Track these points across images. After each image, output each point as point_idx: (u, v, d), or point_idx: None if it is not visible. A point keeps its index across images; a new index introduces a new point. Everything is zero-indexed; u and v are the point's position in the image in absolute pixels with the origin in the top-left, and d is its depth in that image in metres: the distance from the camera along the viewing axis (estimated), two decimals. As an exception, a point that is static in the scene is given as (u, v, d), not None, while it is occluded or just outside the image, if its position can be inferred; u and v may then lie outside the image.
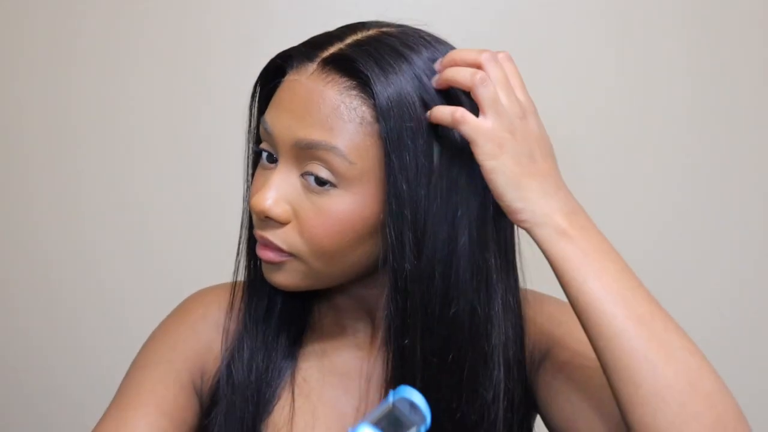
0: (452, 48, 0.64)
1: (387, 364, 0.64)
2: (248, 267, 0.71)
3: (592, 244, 0.58)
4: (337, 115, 0.59)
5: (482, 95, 0.57)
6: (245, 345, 0.71)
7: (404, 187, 0.58)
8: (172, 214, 1.21)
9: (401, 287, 0.61)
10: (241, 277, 0.72)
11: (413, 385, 0.57)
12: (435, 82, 0.60)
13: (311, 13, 1.16)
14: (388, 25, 0.65)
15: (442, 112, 0.58)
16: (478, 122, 0.57)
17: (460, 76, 0.58)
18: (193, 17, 1.16)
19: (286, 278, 0.64)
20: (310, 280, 0.64)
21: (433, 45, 0.63)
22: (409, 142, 0.58)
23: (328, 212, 0.60)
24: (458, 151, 0.60)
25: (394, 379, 0.63)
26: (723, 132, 1.15)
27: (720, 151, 1.15)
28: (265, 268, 0.65)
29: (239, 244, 0.70)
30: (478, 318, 0.62)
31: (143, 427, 0.65)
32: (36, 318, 1.25)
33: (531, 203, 0.58)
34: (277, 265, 0.64)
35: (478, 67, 0.58)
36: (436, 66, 0.61)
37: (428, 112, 0.59)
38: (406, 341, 0.61)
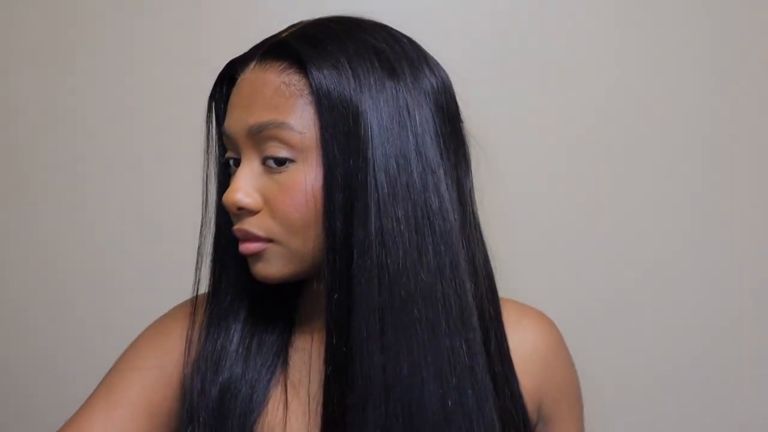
0: (392, 33, 0.66)
1: (324, 320, 0.64)
2: (212, 274, 0.72)
3: None
4: (279, 94, 0.63)
5: None
6: (210, 353, 0.71)
7: (336, 153, 0.61)
8: (174, 216, 1.20)
9: (332, 249, 0.62)
10: (203, 289, 0.73)
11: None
12: None
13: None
14: (325, 17, 0.68)
15: None
16: None
17: None
18: (199, 20, 1.16)
19: (270, 268, 0.65)
20: (294, 265, 0.65)
21: (368, 28, 0.66)
22: (342, 109, 0.61)
23: (291, 187, 0.63)
24: (394, 121, 0.62)
25: (327, 332, 0.63)
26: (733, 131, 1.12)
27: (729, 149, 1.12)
28: (251, 265, 0.67)
29: (198, 255, 0.71)
30: (415, 282, 0.62)
31: (131, 426, 0.67)
32: (38, 317, 1.25)
33: None
34: (259, 257, 0.65)
35: None
36: None
37: None
38: (336, 295, 0.62)
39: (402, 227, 0.61)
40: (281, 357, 0.72)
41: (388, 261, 0.61)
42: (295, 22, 0.68)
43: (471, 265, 0.66)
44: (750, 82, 1.09)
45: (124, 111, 1.18)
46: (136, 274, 1.20)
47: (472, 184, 0.69)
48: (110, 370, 0.72)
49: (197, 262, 0.72)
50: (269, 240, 0.65)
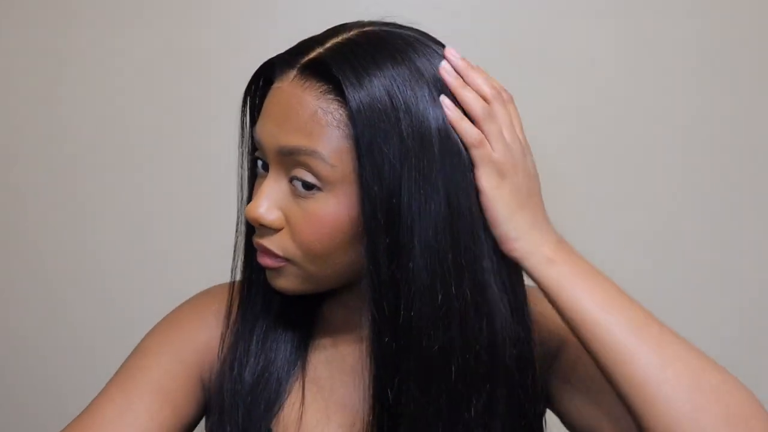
0: (439, 45, 0.64)
1: (371, 361, 0.65)
2: (245, 267, 0.72)
3: (578, 267, 0.62)
4: (315, 120, 0.60)
5: (489, 129, 0.61)
6: (245, 343, 0.71)
7: (377, 190, 0.59)
8: (178, 214, 1.20)
9: (377, 294, 0.61)
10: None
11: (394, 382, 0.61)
12: (448, 85, 0.62)
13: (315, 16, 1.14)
14: (372, 24, 0.65)
15: (467, 131, 0.61)
16: (489, 151, 0.61)
17: (471, 102, 0.61)
18: (198, 18, 1.15)
19: (286, 283, 0.65)
20: (310, 284, 0.66)
21: (417, 44, 0.63)
22: (382, 145, 0.58)
23: (316, 216, 0.61)
24: (440, 156, 0.60)
25: (377, 379, 0.64)
26: (725, 132, 1.14)
27: (722, 152, 1.14)
28: (267, 275, 0.67)
29: (235, 249, 0.71)
30: (461, 319, 0.62)
31: (146, 415, 0.66)
32: (34, 319, 1.25)
33: (523, 233, 0.62)
34: (276, 271, 0.65)
35: (486, 101, 0.62)
36: (445, 72, 0.62)
37: (452, 119, 0.60)
38: (386, 339, 0.62)
39: (446, 267, 0.60)
40: (301, 353, 0.72)
41: (430, 307, 0.60)
42: (339, 24, 0.65)
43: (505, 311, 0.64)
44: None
45: (130, 109, 1.18)
46: (140, 273, 1.21)
47: None
48: (129, 357, 0.72)
49: (234, 259, 0.72)
50: (287, 260, 0.64)
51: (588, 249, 1.13)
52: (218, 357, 0.71)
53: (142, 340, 0.73)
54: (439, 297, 0.60)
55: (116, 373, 0.70)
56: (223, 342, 0.72)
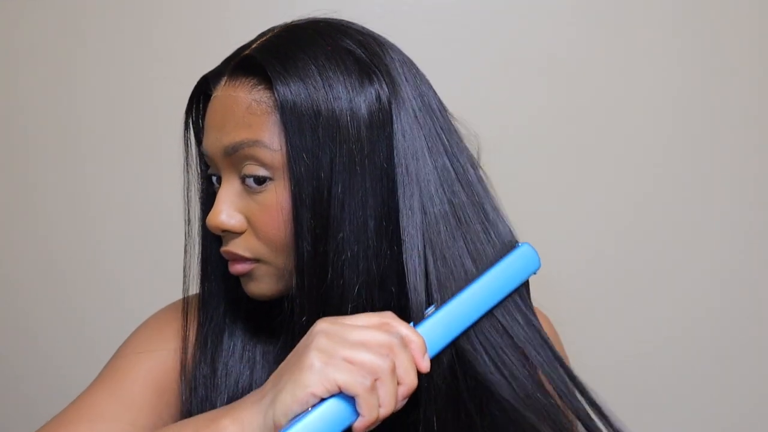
0: (363, 31, 0.64)
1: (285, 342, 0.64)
2: (202, 284, 0.70)
3: None
4: (250, 112, 0.61)
5: None
6: (219, 366, 0.69)
7: (303, 171, 0.59)
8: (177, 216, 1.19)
9: (300, 271, 0.60)
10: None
11: None
12: None
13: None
14: (297, 20, 0.66)
15: None
16: None
17: None
18: (199, 21, 1.15)
19: (261, 287, 0.65)
20: (284, 281, 0.64)
21: (342, 27, 0.64)
22: (308, 128, 0.59)
23: (272, 206, 0.61)
24: (368, 132, 0.60)
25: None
26: (708, 131, 1.11)
27: (702, 151, 1.11)
28: (243, 283, 0.66)
29: (184, 273, 0.70)
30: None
31: (142, 405, 0.66)
32: (40, 317, 1.26)
33: None
34: (249, 276, 0.65)
35: None
36: None
37: None
38: (303, 319, 0.61)
39: (373, 249, 0.60)
40: (270, 361, 0.70)
41: (356, 275, 0.60)
42: (266, 29, 0.66)
43: None
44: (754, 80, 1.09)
45: (125, 112, 1.17)
46: (136, 275, 1.20)
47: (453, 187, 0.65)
48: (112, 359, 0.70)
49: (184, 284, 0.70)
50: (256, 260, 0.64)
51: (582, 245, 1.15)
52: (182, 380, 0.69)
53: (124, 344, 0.72)
54: (363, 265, 0.60)
55: (102, 372, 0.69)
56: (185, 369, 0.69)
